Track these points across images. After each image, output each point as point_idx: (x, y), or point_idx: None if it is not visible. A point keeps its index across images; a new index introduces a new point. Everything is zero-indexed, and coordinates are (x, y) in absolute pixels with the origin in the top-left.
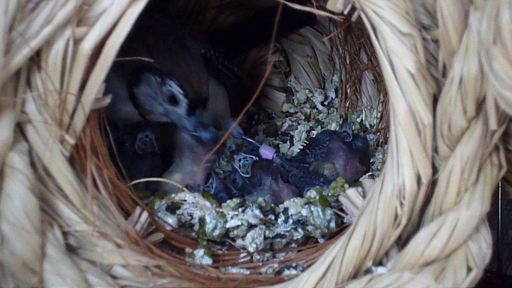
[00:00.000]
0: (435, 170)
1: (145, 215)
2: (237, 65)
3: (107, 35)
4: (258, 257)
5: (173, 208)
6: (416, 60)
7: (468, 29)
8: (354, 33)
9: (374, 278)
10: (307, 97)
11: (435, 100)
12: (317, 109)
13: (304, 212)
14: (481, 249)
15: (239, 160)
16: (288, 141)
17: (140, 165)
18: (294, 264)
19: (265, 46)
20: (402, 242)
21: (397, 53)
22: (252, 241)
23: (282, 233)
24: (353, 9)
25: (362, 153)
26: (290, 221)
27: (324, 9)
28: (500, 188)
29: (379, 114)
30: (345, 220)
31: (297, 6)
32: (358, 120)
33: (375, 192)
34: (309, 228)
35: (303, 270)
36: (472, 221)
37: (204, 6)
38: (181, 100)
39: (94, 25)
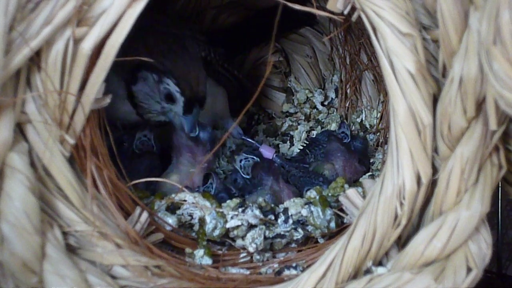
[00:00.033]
0: (435, 170)
1: (145, 215)
2: (237, 66)
3: (107, 35)
4: (258, 257)
5: (173, 208)
6: (416, 60)
7: (468, 29)
8: (354, 33)
9: (374, 278)
10: (307, 97)
11: (435, 100)
12: (317, 109)
13: (304, 212)
14: (481, 249)
15: (240, 161)
16: (288, 141)
17: (138, 165)
18: (294, 264)
19: (265, 46)
20: (402, 242)
21: (397, 53)
22: (252, 241)
23: (282, 233)
24: (353, 9)
25: (361, 154)
26: (290, 221)
27: (324, 9)
28: (500, 188)
29: (379, 114)
30: (345, 220)
31: (297, 6)
32: (358, 120)
33: (375, 192)
34: (309, 228)
35: (303, 270)
36: (472, 221)
37: (204, 6)
38: (178, 98)
39: (94, 25)
